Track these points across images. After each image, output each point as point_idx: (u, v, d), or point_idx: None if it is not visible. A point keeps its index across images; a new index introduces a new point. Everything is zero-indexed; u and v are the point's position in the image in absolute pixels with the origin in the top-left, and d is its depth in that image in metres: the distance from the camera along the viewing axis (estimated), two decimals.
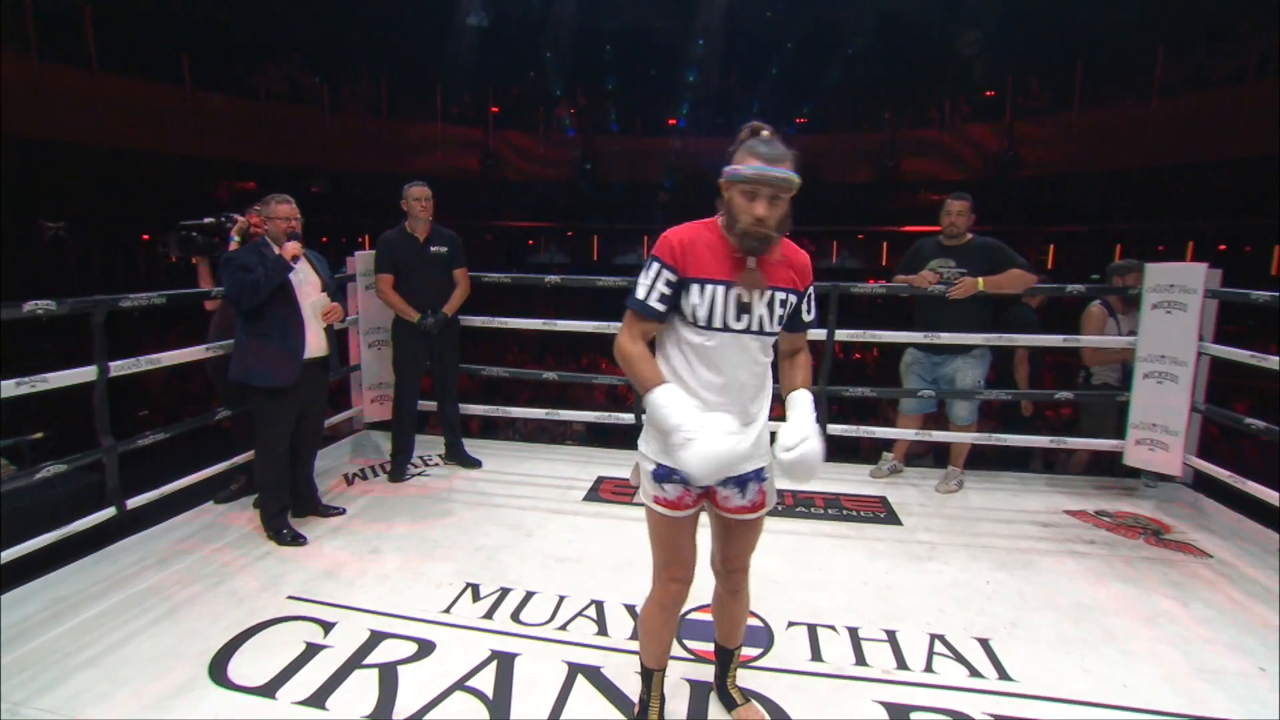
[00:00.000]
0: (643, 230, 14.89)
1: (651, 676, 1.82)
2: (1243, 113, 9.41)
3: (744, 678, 1.99)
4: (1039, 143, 11.67)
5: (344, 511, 3.14)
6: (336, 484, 3.49)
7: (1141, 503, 3.38)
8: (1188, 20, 10.09)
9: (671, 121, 13.98)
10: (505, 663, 2.06)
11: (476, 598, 2.44)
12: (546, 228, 15.15)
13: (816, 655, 2.14)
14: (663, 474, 1.61)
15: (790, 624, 2.30)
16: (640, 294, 1.56)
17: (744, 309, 1.53)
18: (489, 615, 2.33)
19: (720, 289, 1.52)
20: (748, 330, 1.54)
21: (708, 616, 2.30)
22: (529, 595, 2.46)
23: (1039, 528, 3.10)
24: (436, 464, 3.82)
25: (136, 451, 2.76)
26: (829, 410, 3.67)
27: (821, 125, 13.47)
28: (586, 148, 13.55)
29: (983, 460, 4.01)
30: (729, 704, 1.86)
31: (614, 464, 3.89)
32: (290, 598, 2.41)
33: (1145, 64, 10.41)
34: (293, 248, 2.73)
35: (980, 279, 3.29)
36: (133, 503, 2.70)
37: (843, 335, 3.61)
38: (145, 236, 10.73)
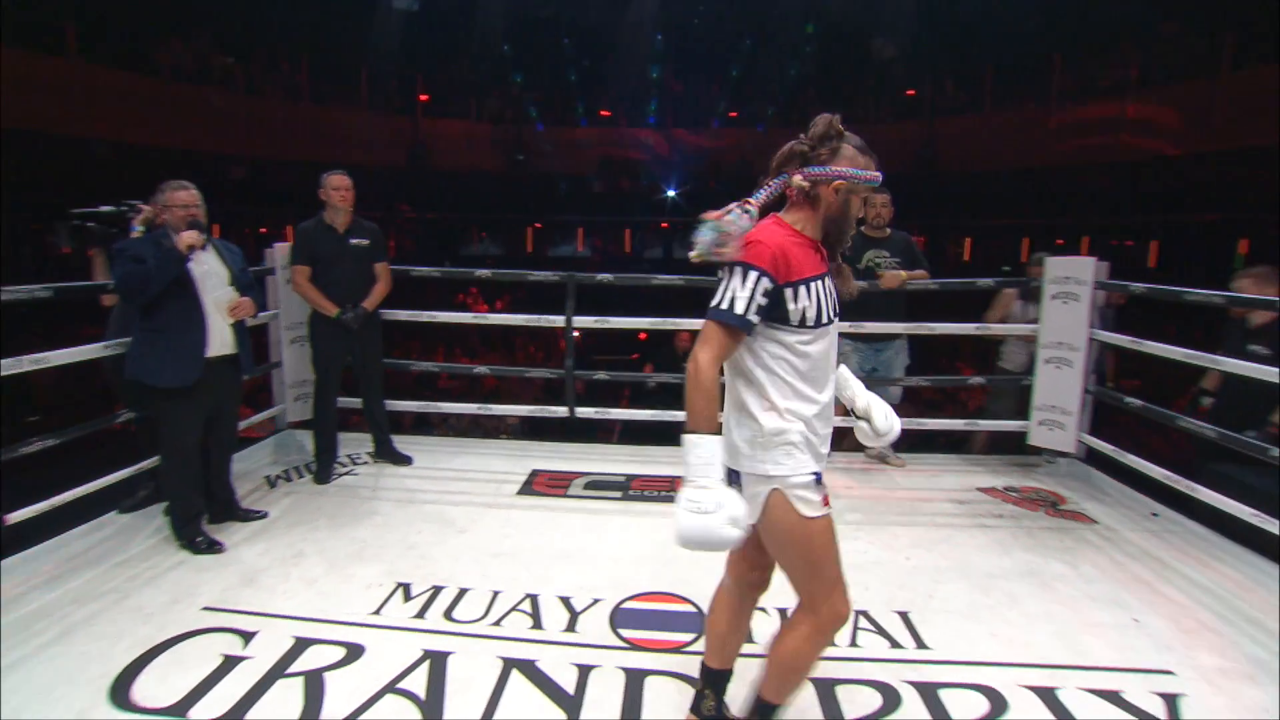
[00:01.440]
0: (576, 222, 14.82)
1: (775, 711, 1.63)
2: (1127, 120, 10.33)
3: (676, 663, 2.04)
4: (955, 140, 12.32)
5: (266, 515, 3.00)
6: (258, 487, 3.32)
7: (1043, 478, 3.64)
8: (1082, 32, 10.88)
9: (605, 113, 13.93)
10: (438, 662, 2.03)
11: (408, 597, 2.39)
12: (479, 219, 14.84)
13: (749, 638, 2.19)
14: (819, 478, 1.49)
15: None
16: (739, 308, 1.39)
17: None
18: (421, 614, 2.28)
19: (818, 284, 1.46)
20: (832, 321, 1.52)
21: (643, 605, 2.35)
22: (462, 592, 2.43)
23: (955, 504, 3.30)
24: (365, 462, 3.70)
25: (22, 460, 2.53)
26: None
27: (752, 120, 13.74)
28: (519, 138, 13.32)
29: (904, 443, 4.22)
30: None
31: (548, 457, 3.87)
32: (206, 609, 2.28)
33: (1045, 71, 11.22)
34: (189, 237, 2.55)
35: (903, 273, 3.57)
36: (15, 517, 2.46)
37: None
38: (35, 226, 9.84)
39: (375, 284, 3.47)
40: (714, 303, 1.42)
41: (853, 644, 2.17)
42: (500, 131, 13.33)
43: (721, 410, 1.51)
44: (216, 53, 11.07)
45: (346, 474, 3.54)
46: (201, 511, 2.78)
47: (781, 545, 1.53)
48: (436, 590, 2.43)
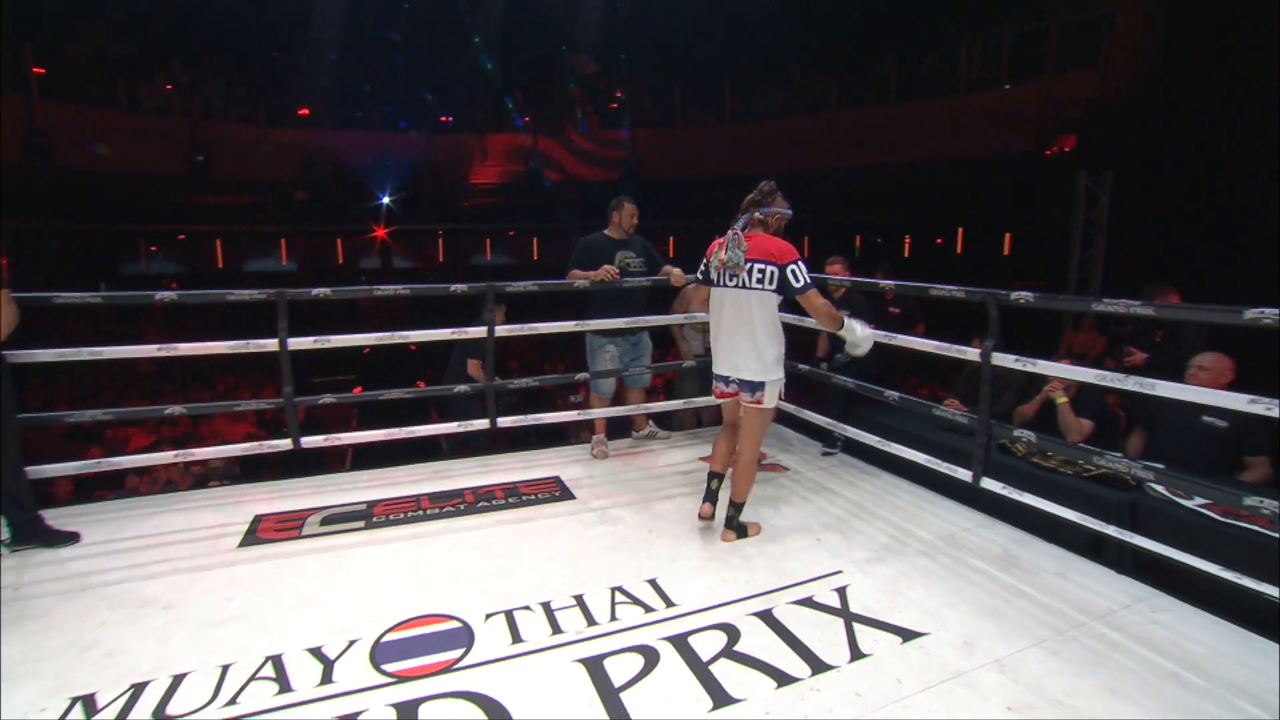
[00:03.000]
0: (277, 234, 13.08)
1: (742, 508, 2.97)
2: (781, 139, 12.94)
3: (450, 683, 2.02)
4: (654, 149, 13.82)
5: None
6: None
7: None
8: (743, 64, 13.13)
9: (303, 111, 12.49)
10: None
11: (92, 712, 1.92)
12: (146, 232, 12.21)
13: (517, 638, 2.25)
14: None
15: (488, 615, 2.37)
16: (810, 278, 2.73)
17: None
18: None
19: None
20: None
21: (405, 633, 2.28)
22: (178, 679, 2.04)
23: (682, 476, 3.75)
24: None
25: None
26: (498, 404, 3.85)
27: (465, 125, 13.61)
28: (194, 135, 11.24)
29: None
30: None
31: (273, 498, 3.43)
32: None
33: (720, 95, 13.36)
34: None
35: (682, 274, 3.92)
36: None
37: (502, 331, 3.80)
38: None
39: None
40: (802, 283, 2.67)
41: (613, 618, 2.36)
42: (169, 125, 11.09)
43: (734, 343, 2.81)
44: None
45: None
46: None
47: (763, 414, 2.87)
48: (138, 689, 2.01)
